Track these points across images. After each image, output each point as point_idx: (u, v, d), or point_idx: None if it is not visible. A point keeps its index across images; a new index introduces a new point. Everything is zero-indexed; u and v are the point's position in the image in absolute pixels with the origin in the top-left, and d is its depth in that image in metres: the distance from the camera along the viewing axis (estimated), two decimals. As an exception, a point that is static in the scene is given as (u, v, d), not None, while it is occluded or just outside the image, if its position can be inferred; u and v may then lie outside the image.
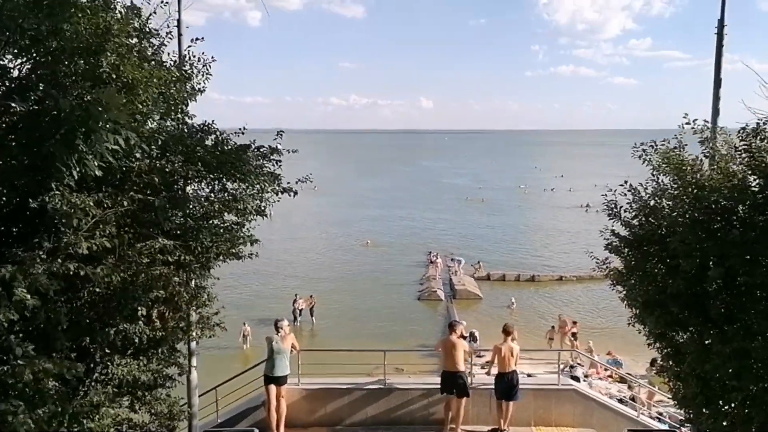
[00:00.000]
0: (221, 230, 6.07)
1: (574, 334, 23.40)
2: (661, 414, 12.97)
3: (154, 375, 6.03)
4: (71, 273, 4.26)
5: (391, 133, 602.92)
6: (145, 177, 5.14)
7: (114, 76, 4.65)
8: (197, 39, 6.35)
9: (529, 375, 10.34)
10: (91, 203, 4.41)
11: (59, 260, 4.25)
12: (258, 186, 5.92)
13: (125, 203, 4.74)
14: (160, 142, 5.32)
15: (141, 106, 4.87)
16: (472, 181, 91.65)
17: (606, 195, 6.72)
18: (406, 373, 13.20)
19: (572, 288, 34.51)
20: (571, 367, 19.01)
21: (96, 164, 4.33)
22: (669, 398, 13.35)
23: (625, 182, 6.55)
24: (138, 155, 4.92)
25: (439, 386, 9.52)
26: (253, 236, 6.76)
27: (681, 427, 9.57)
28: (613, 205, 6.58)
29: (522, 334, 19.32)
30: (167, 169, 5.30)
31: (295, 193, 6.36)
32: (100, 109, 4.17)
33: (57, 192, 4.27)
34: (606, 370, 20.98)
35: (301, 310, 27.85)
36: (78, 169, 4.26)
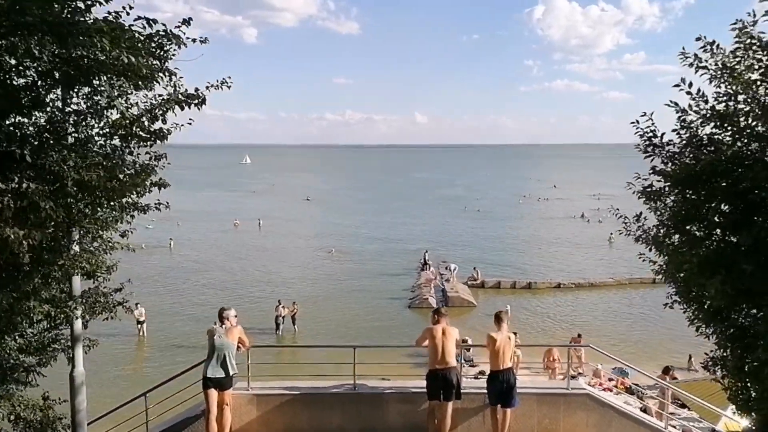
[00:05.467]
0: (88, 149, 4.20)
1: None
2: (674, 428, 11.25)
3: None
4: None
5: (386, 148, 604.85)
6: None
7: None
8: None
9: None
10: None
11: None
12: (133, 72, 4.03)
13: None
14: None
15: None
16: (467, 192, 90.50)
17: (637, 122, 4.96)
18: (386, 375, 11.30)
19: (571, 295, 33.01)
20: (572, 377, 17.23)
21: None
22: (689, 409, 11.43)
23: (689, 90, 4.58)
24: None
25: (419, 389, 7.68)
26: (162, 180, 4.97)
27: None
28: (650, 135, 4.84)
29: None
30: None
31: (203, 101, 4.54)
32: None
33: None
34: (611, 380, 19.27)
35: (283, 318, 26.19)
36: None
